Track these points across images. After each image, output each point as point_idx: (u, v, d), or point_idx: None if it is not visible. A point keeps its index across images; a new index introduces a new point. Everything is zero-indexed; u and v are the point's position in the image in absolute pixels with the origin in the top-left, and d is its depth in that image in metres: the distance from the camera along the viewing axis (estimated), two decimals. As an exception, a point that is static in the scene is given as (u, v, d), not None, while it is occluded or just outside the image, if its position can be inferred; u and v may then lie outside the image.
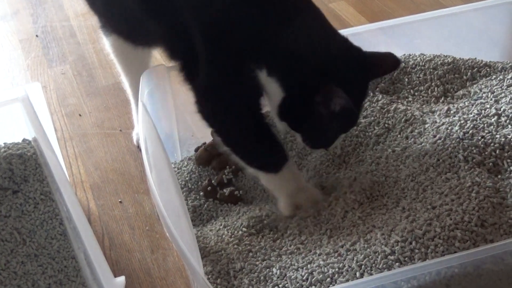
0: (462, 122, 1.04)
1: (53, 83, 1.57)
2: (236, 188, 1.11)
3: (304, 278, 0.85)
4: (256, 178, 1.06)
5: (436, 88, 1.20)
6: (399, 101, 1.18)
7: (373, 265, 0.84)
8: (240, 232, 0.99)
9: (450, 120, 1.06)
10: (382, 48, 1.03)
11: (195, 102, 1.01)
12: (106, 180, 1.27)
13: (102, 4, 1.18)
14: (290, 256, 0.92)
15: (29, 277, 0.93)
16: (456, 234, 0.84)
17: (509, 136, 1.00)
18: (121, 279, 1.00)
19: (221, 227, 1.02)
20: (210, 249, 0.96)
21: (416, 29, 1.30)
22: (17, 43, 1.75)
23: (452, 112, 1.09)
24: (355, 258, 0.86)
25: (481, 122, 1.04)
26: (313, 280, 0.84)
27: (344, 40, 0.99)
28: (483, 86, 1.16)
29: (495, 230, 0.86)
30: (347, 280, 0.83)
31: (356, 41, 1.00)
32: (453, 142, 1.00)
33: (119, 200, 1.22)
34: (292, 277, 0.86)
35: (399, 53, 1.15)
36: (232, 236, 0.99)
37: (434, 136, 1.03)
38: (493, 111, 1.05)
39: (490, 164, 0.98)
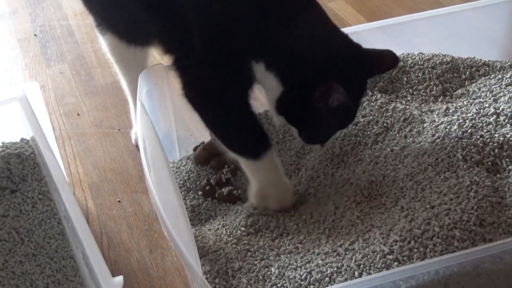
0: (460, 121, 1.04)
1: (51, 82, 1.57)
2: (234, 188, 1.11)
3: (302, 277, 0.85)
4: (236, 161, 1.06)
5: (434, 87, 1.20)
6: (398, 100, 1.18)
7: (372, 264, 0.84)
8: (239, 232, 0.99)
9: (449, 119, 1.06)
10: (380, 47, 1.03)
11: (183, 86, 1.00)
12: (105, 179, 1.27)
13: (98, 3, 1.18)
14: (288, 255, 0.92)
15: (27, 277, 0.93)
16: (454, 234, 0.84)
17: (508, 135, 1.00)
18: (119, 278, 1.00)
19: (219, 226, 1.02)
20: (209, 249, 0.96)
21: (415, 28, 1.30)
22: (15, 42, 1.75)
23: (450, 111, 1.09)
24: (353, 258, 0.85)
25: (479, 121, 1.04)
26: (311, 279, 0.84)
27: (344, 37, 0.99)
28: (481, 85, 1.16)
29: (493, 229, 0.86)
30: (346, 280, 0.83)
31: (354, 40, 1.00)
32: (452, 141, 1.00)
33: (118, 199, 1.22)
34: (291, 276, 0.86)
35: (397, 52, 1.14)
36: (231, 235, 0.99)
37: (433, 135, 1.03)
38: (492, 110, 1.05)
39: (489, 163, 0.97)
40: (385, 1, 1.79)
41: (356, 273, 0.84)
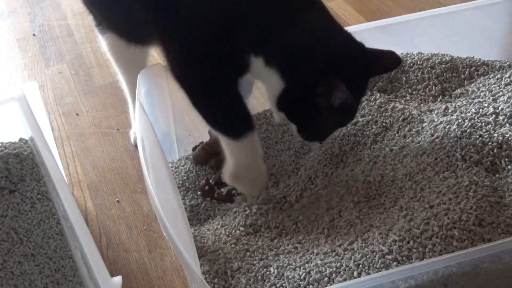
0: (460, 121, 1.04)
1: (50, 82, 1.57)
2: (233, 188, 1.11)
3: (301, 277, 0.85)
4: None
5: (434, 87, 1.19)
6: (397, 100, 1.18)
7: (371, 264, 0.84)
8: (238, 232, 0.99)
9: (448, 119, 1.06)
10: (380, 47, 1.03)
11: (171, 61, 0.99)
12: (104, 179, 1.27)
13: (98, 2, 1.18)
14: (287, 255, 0.92)
15: (26, 277, 0.93)
16: (453, 233, 0.84)
17: (507, 135, 1.00)
18: (118, 278, 1.00)
19: (218, 226, 1.02)
20: (208, 249, 0.96)
21: (414, 27, 1.30)
22: (14, 42, 1.75)
23: (450, 111, 1.09)
24: (352, 258, 0.85)
25: (479, 121, 1.04)
26: (310, 279, 0.84)
27: (348, 35, 1.00)
28: (481, 85, 1.16)
29: (492, 229, 0.86)
30: (345, 280, 0.83)
31: (354, 40, 1.01)
32: (451, 141, 1.00)
33: (117, 199, 1.22)
34: (290, 276, 0.86)
35: (397, 52, 1.14)
36: (230, 235, 0.99)
37: (432, 135, 1.03)
38: (491, 109, 1.05)
39: (488, 163, 0.97)
40: (385, 0, 1.79)
41: (355, 273, 0.84)
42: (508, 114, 1.04)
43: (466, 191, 0.90)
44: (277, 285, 0.86)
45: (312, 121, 0.98)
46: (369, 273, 0.83)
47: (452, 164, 0.97)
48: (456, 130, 1.02)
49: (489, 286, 0.86)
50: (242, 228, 0.99)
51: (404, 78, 1.22)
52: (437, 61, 1.22)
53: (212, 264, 0.92)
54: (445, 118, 1.06)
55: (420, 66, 1.22)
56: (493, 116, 1.04)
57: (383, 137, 1.10)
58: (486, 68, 1.21)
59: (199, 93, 0.99)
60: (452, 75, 1.21)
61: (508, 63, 1.21)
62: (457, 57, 1.24)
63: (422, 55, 1.25)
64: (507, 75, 1.15)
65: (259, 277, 0.88)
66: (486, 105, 1.08)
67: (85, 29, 1.78)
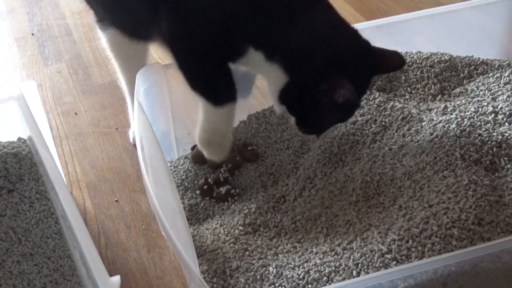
0: (459, 120, 1.04)
1: (49, 82, 1.57)
2: (232, 187, 1.11)
3: (300, 277, 0.85)
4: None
5: (433, 86, 1.19)
6: (396, 99, 1.18)
7: (370, 263, 0.84)
8: (237, 231, 0.99)
9: (447, 118, 1.06)
10: (379, 46, 1.03)
11: (167, 31, 1.00)
12: (102, 179, 1.27)
13: None
14: (286, 254, 0.91)
15: (24, 277, 0.93)
16: (453, 233, 0.84)
17: (506, 134, 1.00)
18: (116, 278, 0.99)
19: (217, 225, 1.02)
20: (206, 248, 0.96)
21: (413, 27, 1.29)
22: (13, 41, 1.75)
23: (449, 110, 1.09)
24: (351, 257, 0.85)
25: (478, 119, 1.04)
26: (309, 279, 0.84)
27: (353, 32, 1.00)
28: (480, 84, 1.16)
29: (492, 228, 0.86)
30: (344, 279, 0.83)
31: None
32: (450, 140, 1.00)
33: (115, 199, 1.22)
34: (289, 276, 0.85)
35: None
36: (229, 234, 0.99)
37: (431, 134, 1.03)
38: (490, 108, 1.05)
39: (487, 162, 0.97)
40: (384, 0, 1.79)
41: (354, 273, 0.83)
42: (507, 113, 1.04)
43: (466, 190, 0.90)
44: (276, 284, 0.85)
45: (313, 115, 0.99)
46: (368, 273, 0.83)
47: (451, 163, 0.97)
48: (455, 129, 1.02)
49: (489, 285, 0.86)
50: (241, 228, 0.99)
51: (403, 77, 1.22)
52: (436, 60, 1.22)
53: (211, 264, 0.92)
54: (444, 117, 1.06)
55: (419, 65, 1.22)
56: (492, 115, 1.04)
57: (382, 136, 1.09)
58: (485, 67, 1.21)
59: (188, 58, 1.01)
60: (451, 74, 1.21)
61: (507, 62, 1.21)
62: (456, 56, 1.24)
63: (421, 54, 1.25)
64: (506, 74, 1.15)
65: (258, 277, 0.88)
66: (485, 104, 1.08)
67: (83, 28, 1.78)
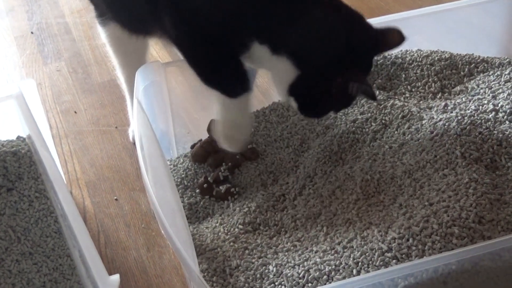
0: (459, 118, 1.04)
1: (48, 80, 1.57)
2: (232, 185, 1.11)
3: (300, 275, 0.85)
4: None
5: (433, 84, 1.19)
6: (396, 97, 1.17)
7: (370, 262, 0.83)
8: (236, 230, 0.99)
9: (448, 116, 1.06)
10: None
11: (174, 28, 1.00)
12: (102, 177, 1.27)
13: None
14: (286, 253, 0.91)
15: (23, 276, 0.92)
16: (453, 231, 0.83)
17: (507, 132, 1.00)
18: (116, 277, 0.99)
19: (217, 224, 1.02)
20: (206, 247, 0.95)
21: (413, 25, 1.29)
22: (12, 40, 1.75)
23: (449, 108, 1.09)
24: (351, 255, 0.85)
25: (478, 118, 1.03)
26: (309, 277, 0.84)
27: (360, 17, 1.01)
28: (480, 82, 1.16)
29: (492, 226, 0.86)
30: (344, 278, 0.83)
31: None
32: (451, 138, 1.00)
33: (115, 197, 1.22)
34: (289, 274, 0.85)
35: (396, 49, 1.15)
36: (228, 233, 0.98)
37: (431, 132, 1.03)
38: (491, 106, 1.05)
39: (488, 160, 0.97)
40: (383, -2, 1.79)
41: (354, 271, 0.83)
42: (508, 111, 1.03)
43: (466, 188, 0.90)
44: (276, 283, 0.85)
45: (321, 103, 1.01)
46: (368, 271, 0.82)
47: (451, 161, 0.97)
48: (456, 127, 1.02)
49: (489, 284, 0.86)
50: (240, 226, 0.99)
51: (404, 75, 1.22)
52: (436, 58, 1.22)
53: (210, 262, 0.91)
54: (444, 115, 1.06)
55: (419, 63, 1.22)
56: (493, 113, 1.04)
57: (382, 134, 1.09)
58: (485, 65, 1.21)
59: (195, 54, 1.01)
60: (452, 72, 1.21)
61: (507, 60, 1.21)
62: (457, 54, 1.24)
63: (422, 52, 1.24)
64: (506, 72, 1.15)
65: (258, 275, 0.88)
66: (485, 102, 1.07)
67: (83, 26, 1.77)
